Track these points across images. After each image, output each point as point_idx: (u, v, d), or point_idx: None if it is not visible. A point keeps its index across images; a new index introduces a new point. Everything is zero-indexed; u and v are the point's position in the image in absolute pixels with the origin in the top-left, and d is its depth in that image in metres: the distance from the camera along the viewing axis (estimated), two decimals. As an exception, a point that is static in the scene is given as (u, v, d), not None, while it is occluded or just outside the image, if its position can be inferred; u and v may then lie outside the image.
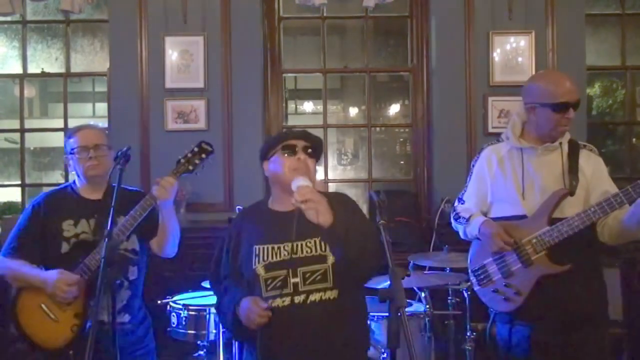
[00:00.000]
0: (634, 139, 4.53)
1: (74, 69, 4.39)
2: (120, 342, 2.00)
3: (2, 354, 3.23)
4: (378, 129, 5.06)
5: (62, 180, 4.52)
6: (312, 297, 1.76)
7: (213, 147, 2.23)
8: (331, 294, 1.77)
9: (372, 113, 4.48)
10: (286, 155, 1.85)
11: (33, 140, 5.95)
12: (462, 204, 2.42)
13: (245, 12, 4.00)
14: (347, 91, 5.90)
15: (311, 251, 1.78)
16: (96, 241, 2.18)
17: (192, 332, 2.96)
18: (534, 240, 2.15)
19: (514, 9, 3.94)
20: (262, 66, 4.08)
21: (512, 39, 3.94)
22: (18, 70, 4.40)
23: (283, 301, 1.76)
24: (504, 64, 3.95)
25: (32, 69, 4.41)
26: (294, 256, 1.77)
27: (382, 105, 5.35)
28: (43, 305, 2.19)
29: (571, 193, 2.14)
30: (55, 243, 2.23)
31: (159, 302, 3.03)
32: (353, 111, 5.71)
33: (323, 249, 1.78)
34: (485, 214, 2.34)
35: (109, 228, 1.91)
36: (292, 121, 5.96)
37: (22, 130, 4.38)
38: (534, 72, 3.84)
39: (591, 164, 2.22)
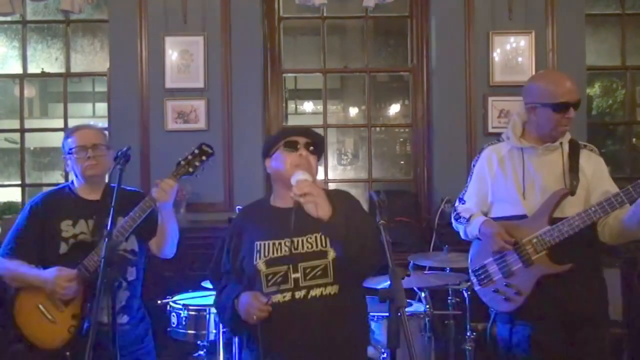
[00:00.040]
0: (634, 139, 4.53)
1: (74, 69, 4.39)
2: (119, 343, 2.00)
3: (2, 354, 3.23)
4: (378, 129, 5.05)
5: (62, 180, 4.51)
6: (312, 293, 1.77)
7: (213, 150, 2.22)
8: (332, 290, 1.78)
9: (372, 113, 4.48)
10: (288, 151, 1.86)
11: (33, 140, 5.94)
12: (462, 204, 2.42)
13: (245, 12, 4.00)
14: (347, 91, 5.89)
15: (312, 247, 1.79)
16: (94, 242, 2.18)
17: (192, 332, 2.96)
18: (535, 240, 2.15)
19: (514, 9, 3.94)
20: (262, 66, 4.08)
21: (512, 39, 3.94)
22: (18, 70, 4.40)
23: (284, 297, 1.77)
24: (504, 64, 3.94)
25: (32, 69, 4.41)
26: (294, 252, 1.78)
27: (382, 105, 5.35)
28: (40, 306, 2.19)
29: (572, 193, 2.15)
30: (54, 243, 2.23)
31: (159, 302, 3.03)
32: (353, 111, 5.71)
33: (324, 244, 1.79)
34: (485, 214, 2.34)
35: (109, 228, 1.91)
36: (292, 121, 5.94)
37: (22, 130, 4.38)
38: (534, 72, 3.84)
39: (592, 164, 2.22)
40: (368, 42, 4.39)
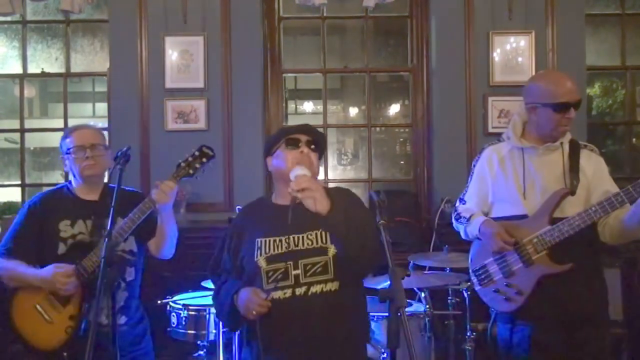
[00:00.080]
0: (634, 139, 4.53)
1: (74, 69, 4.39)
2: (117, 343, 1.99)
3: (1, 354, 3.23)
4: (378, 129, 5.05)
5: (62, 180, 4.51)
6: (313, 289, 1.77)
7: (214, 152, 2.22)
8: (332, 286, 1.78)
9: (372, 113, 4.48)
10: (289, 149, 1.86)
11: (33, 140, 5.94)
12: (463, 204, 2.42)
13: (245, 12, 4.00)
14: (347, 91, 5.89)
15: (312, 243, 1.79)
16: (93, 242, 2.17)
17: (192, 332, 2.96)
18: (535, 240, 2.15)
19: (514, 9, 3.94)
20: (262, 66, 4.08)
21: (512, 39, 3.94)
22: (18, 70, 4.40)
23: (284, 293, 1.77)
24: (504, 64, 3.94)
25: (32, 69, 4.40)
26: (295, 248, 1.79)
27: (382, 105, 5.34)
28: (38, 306, 2.19)
29: (572, 193, 2.15)
30: (52, 244, 2.22)
31: (158, 302, 3.03)
32: (353, 111, 5.70)
33: (324, 241, 1.79)
34: (486, 214, 2.34)
35: (109, 228, 1.91)
36: (292, 121, 5.92)
37: (22, 130, 4.38)
38: (534, 72, 3.84)
39: (592, 164, 2.22)
40: (368, 42, 4.39)
